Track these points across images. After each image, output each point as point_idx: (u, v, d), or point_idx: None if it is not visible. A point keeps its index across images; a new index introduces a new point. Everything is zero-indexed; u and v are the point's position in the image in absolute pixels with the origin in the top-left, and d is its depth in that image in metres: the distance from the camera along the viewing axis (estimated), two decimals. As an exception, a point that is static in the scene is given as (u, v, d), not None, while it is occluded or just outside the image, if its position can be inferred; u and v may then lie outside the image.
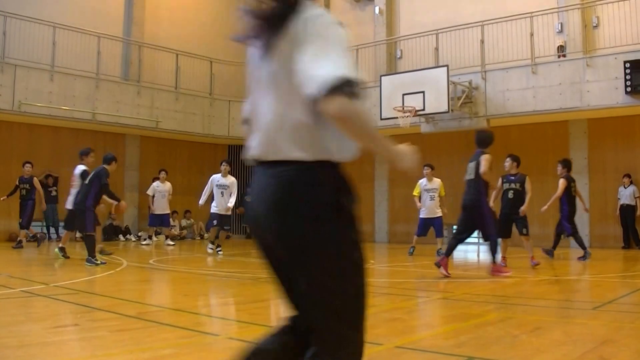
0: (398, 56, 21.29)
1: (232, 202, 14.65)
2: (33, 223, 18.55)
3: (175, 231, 21.59)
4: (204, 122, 21.76)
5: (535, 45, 16.82)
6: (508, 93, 16.99)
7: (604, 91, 15.63)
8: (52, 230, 18.86)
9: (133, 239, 20.47)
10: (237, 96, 23.52)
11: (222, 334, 4.92)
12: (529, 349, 4.44)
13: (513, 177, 12.04)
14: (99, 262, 10.73)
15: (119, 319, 5.77)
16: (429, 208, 14.52)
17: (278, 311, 6.39)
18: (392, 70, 20.66)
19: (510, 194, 11.88)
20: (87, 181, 11.46)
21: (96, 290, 7.82)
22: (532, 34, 16.82)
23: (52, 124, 18.56)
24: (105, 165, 11.80)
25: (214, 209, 14.82)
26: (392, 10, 21.81)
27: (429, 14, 20.44)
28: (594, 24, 17.03)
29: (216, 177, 14.96)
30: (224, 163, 15.25)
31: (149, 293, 7.99)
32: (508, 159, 12.24)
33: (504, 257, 11.20)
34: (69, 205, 12.61)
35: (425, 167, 14.62)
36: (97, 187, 11.34)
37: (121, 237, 20.34)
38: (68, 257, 11.83)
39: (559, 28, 17.72)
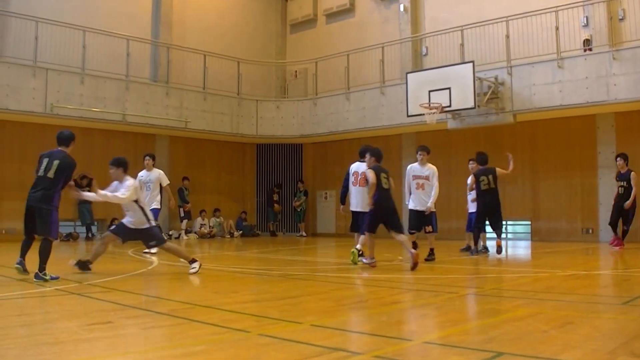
0: (424, 53, 21.23)
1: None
2: (67, 223, 18.94)
3: (205, 229, 21.80)
4: (232, 121, 21.89)
5: (561, 39, 16.67)
6: (534, 88, 16.87)
7: (631, 84, 15.44)
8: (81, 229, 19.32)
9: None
10: (265, 96, 23.68)
11: (252, 331, 4.95)
12: (559, 345, 4.40)
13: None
14: (48, 277, 8.22)
15: (151, 316, 5.84)
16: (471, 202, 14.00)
17: (307, 307, 6.44)
18: (417, 68, 20.60)
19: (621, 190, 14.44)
20: (50, 173, 8.67)
21: (128, 288, 7.91)
22: (557, 28, 16.67)
23: (83, 126, 18.74)
24: (64, 149, 9.25)
25: None
26: (417, 7, 21.74)
27: (454, 10, 20.36)
28: (620, 17, 16.82)
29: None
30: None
31: (180, 290, 8.07)
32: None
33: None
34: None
35: (470, 162, 14.11)
36: (64, 181, 8.77)
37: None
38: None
39: (585, 21, 17.53)
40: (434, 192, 11.30)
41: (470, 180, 13.41)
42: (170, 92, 20.44)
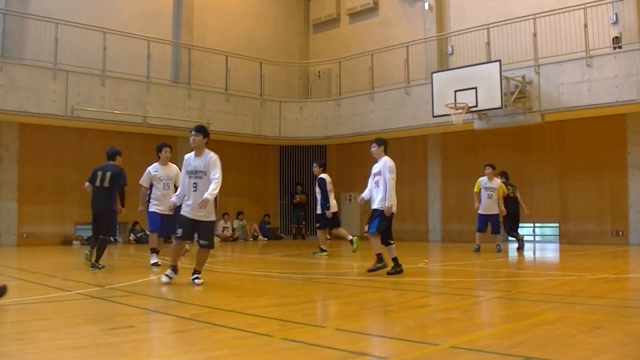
0: (449, 52, 21.07)
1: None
2: (86, 226, 18.97)
3: (228, 232, 21.79)
4: (254, 123, 21.84)
5: (590, 37, 16.39)
6: (562, 87, 16.62)
7: (663, 83, 15.18)
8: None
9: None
10: (288, 96, 23.62)
11: (276, 335, 4.91)
12: (588, 349, 4.34)
13: None
14: (100, 265, 10.58)
15: (174, 320, 5.82)
16: (486, 205, 14.98)
17: (331, 311, 6.36)
18: (443, 67, 20.44)
19: None
20: (105, 183, 10.62)
21: (150, 292, 7.90)
22: (586, 26, 16.40)
23: (104, 128, 18.86)
24: (112, 162, 10.99)
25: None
26: (442, 5, 21.58)
27: (479, 8, 20.17)
28: (651, 13, 16.56)
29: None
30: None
31: (202, 294, 8.03)
32: None
33: None
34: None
35: (487, 167, 15.05)
36: (119, 186, 10.73)
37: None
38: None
39: (614, 19, 17.23)
40: (388, 188, 9.48)
41: (505, 191, 15.20)
42: (191, 93, 20.42)
